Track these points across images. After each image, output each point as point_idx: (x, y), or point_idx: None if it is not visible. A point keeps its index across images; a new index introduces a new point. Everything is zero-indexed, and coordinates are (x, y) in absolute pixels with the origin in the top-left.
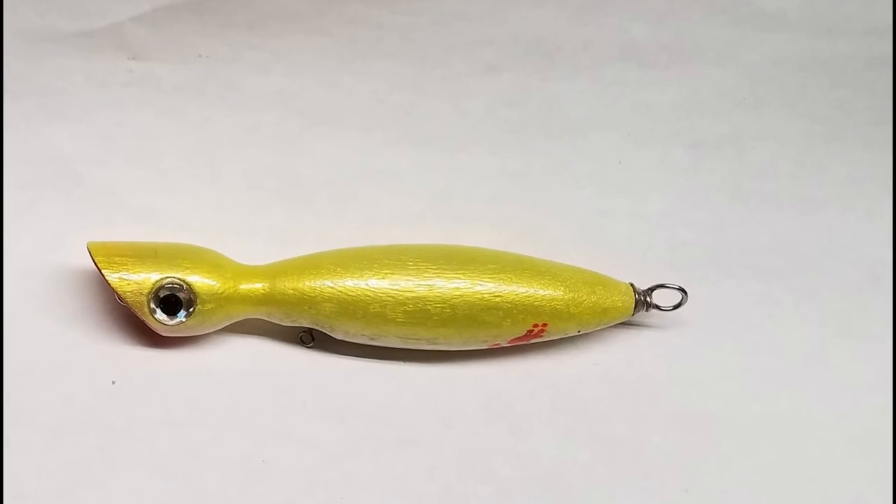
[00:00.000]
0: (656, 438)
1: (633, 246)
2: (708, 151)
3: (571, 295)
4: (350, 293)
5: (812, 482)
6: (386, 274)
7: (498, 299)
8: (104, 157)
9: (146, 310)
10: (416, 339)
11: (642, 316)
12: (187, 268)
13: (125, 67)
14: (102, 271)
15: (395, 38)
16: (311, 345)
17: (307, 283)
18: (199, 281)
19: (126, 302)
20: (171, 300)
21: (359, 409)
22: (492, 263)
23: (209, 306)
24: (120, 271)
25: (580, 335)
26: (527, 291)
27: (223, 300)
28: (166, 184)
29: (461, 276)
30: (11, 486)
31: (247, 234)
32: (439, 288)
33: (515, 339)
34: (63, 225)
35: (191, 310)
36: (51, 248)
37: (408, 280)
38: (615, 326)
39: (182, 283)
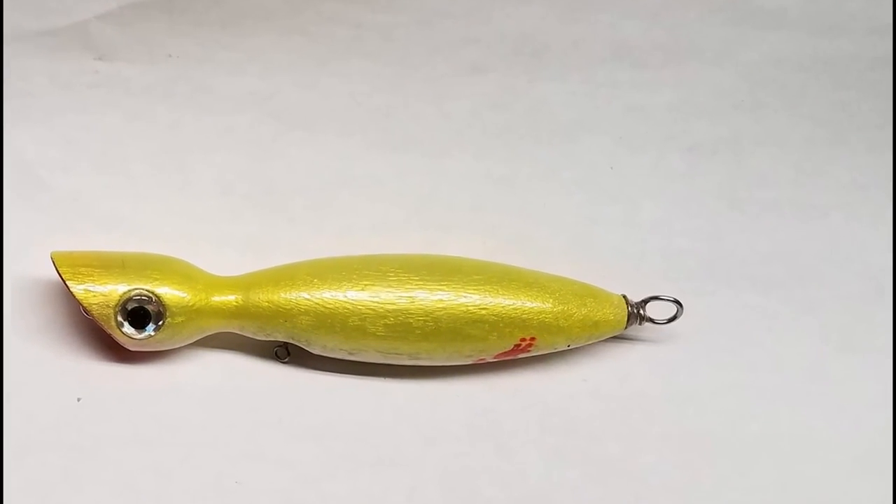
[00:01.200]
0: (649, 458)
1: (626, 256)
2: (704, 156)
3: (561, 307)
4: (328, 306)
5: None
6: (365, 285)
7: (483, 312)
8: (69, 162)
9: (113, 323)
10: (398, 354)
11: (635, 329)
12: (156, 279)
13: (91, 68)
14: (67, 282)
15: (375, 38)
16: (286, 360)
17: (282, 294)
18: (169, 293)
19: (92, 315)
20: (140, 313)
21: (337, 428)
22: (477, 274)
23: (179, 319)
24: (85, 283)
25: (570, 350)
26: (514, 304)
27: (194, 313)
28: (134, 190)
29: (445, 287)
30: None
31: (219, 243)
32: (421, 300)
33: (502, 353)
34: (25, 234)
35: (160, 323)
36: (12, 258)
37: (388, 292)
38: (607, 340)
39: (151, 294)
